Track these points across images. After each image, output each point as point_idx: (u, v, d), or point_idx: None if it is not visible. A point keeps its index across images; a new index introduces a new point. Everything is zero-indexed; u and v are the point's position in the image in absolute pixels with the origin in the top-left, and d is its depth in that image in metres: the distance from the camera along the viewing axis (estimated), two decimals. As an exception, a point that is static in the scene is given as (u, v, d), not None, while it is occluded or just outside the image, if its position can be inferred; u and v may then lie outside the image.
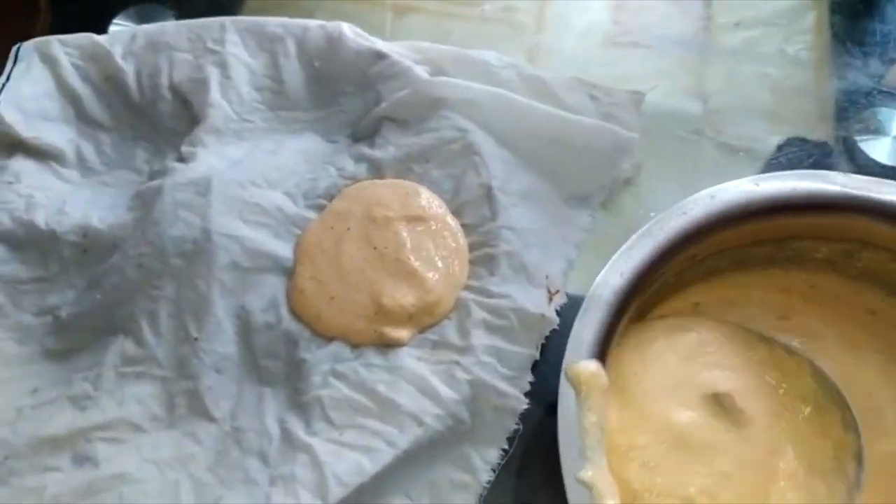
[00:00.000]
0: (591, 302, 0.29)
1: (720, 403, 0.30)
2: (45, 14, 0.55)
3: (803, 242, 0.34)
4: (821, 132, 0.49)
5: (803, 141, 0.48)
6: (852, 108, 0.49)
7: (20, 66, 0.44)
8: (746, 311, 0.35)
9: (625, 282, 0.30)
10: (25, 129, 0.43)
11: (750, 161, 0.48)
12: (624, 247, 0.31)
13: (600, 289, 0.30)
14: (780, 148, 0.48)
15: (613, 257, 0.31)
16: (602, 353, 0.28)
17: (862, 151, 0.46)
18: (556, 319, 0.38)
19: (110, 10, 0.51)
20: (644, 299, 0.32)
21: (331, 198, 0.43)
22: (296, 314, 0.39)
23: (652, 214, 0.44)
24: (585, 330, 0.29)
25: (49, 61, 0.45)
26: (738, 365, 0.31)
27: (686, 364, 0.31)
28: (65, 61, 0.45)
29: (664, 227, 0.31)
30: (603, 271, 0.30)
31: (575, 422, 0.27)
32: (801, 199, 0.32)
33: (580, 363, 0.28)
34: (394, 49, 0.46)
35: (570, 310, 0.40)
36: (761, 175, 0.33)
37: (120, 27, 0.49)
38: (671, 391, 0.30)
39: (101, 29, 0.50)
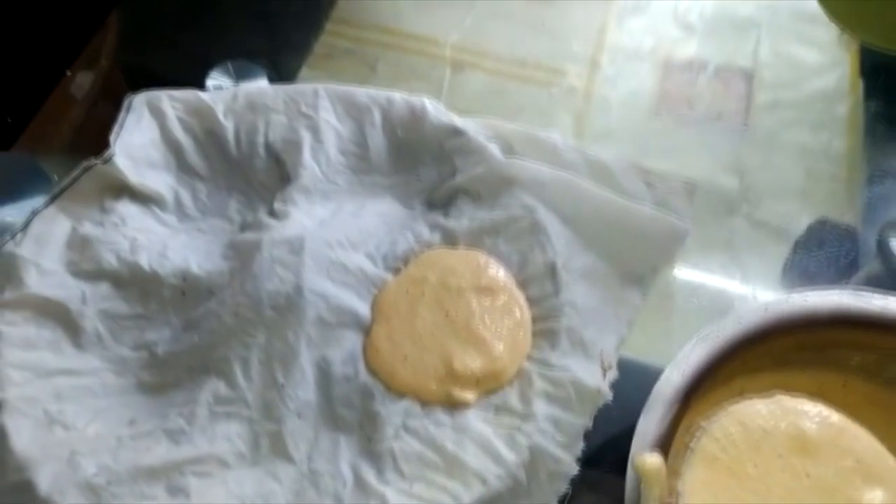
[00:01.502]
0: (655, 399, 0.33)
1: None
2: (112, 30, 0.60)
3: (841, 351, 0.38)
4: (849, 217, 0.52)
5: (832, 224, 0.52)
6: (880, 204, 0.53)
7: (132, 116, 0.48)
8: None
9: (685, 381, 0.34)
10: (133, 175, 0.47)
11: (780, 239, 0.51)
12: (686, 348, 0.35)
13: (663, 387, 0.34)
14: (809, 228, 0.52)
15: (675, 358, 0.35)
16: (664, 446, 0.32)
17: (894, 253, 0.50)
18: (610, 394, 0.42)
19: (208, 63, 0.55)
20: (697, 393, 0.36)
21: (406, 261, 0.47)
22: (371, 370, 0.43)
23: (680, 280, 0.48)
24: (650, 425, 0.33)
25: (157, 113, 0.49)
26: (881, 474, 0.33)
27: (829, 472, 0.33)
28: (171, 114, 0.49)
29: (721, 334, 0.35)
30: (665, 371, 0.34)
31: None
32: (843, 315, 0.36)
33: (646, 456, 0.32)
34: (469, 126, 0.50)
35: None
36: (809, 291, 0.37)
37: (216, 81, 0.53)
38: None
39: (198, 79, 0.54)
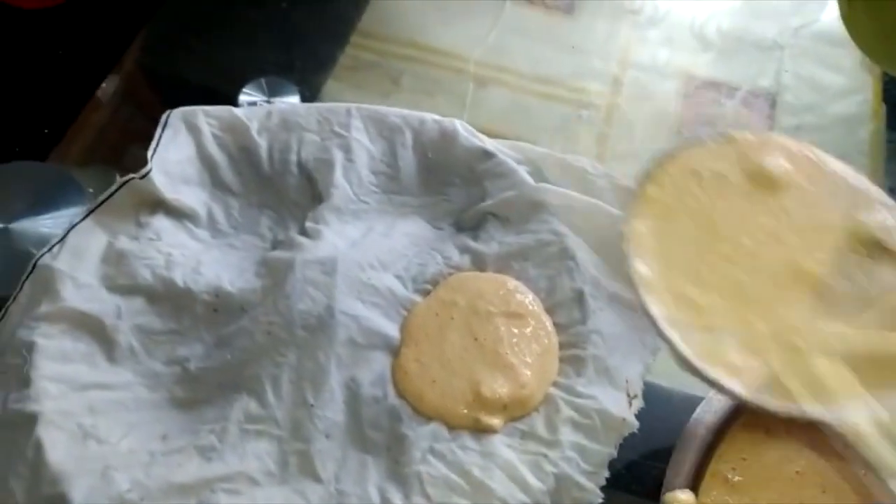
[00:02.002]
0: (688, 438, 0.34)
1: None
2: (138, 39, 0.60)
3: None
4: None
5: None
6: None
7: (168, 132, 0.49)
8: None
9: (717, 419, 0.34)
10: (169, 191, 0.48)
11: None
12: (717, 388, 0.35)
13: (695, 427, 0.34)
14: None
15: (708, 395, 0.35)
16: (695, 484, 0.33)
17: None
18: (636, 424, 0.42)
19: (241, 79, 0.56)
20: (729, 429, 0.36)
21: (436, 283, 0.47)
22: (400, 392, 0.44)
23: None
24: (683, 463, 0.33)
25: (193, 130, 0.50)
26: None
27: (808, 207, 0.29)
28: (206, 130, 0.50)
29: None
30: (698, 409, 0.35)
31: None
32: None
33: (677, 493, 0.33)
34: (499, 148, 0.51)
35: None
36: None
37: (250, 97, 0.54)
38: None
39: (231, 95, 0.55)
